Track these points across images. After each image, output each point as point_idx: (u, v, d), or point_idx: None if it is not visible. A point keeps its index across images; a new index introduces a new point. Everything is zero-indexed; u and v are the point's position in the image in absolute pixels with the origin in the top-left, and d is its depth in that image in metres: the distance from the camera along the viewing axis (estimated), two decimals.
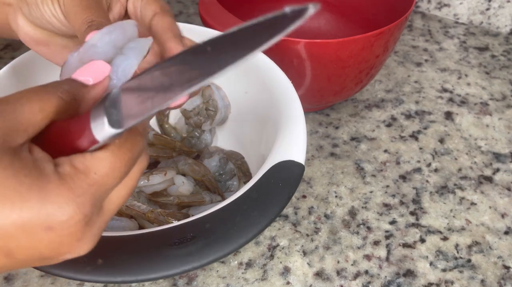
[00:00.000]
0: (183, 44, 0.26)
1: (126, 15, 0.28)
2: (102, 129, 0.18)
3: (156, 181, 0.35)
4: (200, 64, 0.18)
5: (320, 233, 0.37)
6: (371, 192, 0.41)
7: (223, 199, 0.36)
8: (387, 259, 0.36)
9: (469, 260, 0.36)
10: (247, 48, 0.17)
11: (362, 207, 0.39)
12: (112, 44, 0.22)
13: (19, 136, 0.18)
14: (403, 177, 0.42)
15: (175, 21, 0.27)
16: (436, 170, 0.43)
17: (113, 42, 0.22)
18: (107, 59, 0.22)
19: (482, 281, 0.34)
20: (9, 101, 0.18)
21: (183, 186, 0.35)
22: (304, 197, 0.40)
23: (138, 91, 0.18)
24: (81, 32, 0.24)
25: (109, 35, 0.22)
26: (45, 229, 0.17)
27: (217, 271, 0.34)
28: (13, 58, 0.36)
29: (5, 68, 0.34)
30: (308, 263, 0.35)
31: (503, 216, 0.39)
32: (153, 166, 0.38)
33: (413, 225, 0.38)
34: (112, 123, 0.18)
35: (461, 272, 0.35)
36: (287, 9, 0.16)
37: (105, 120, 0.18)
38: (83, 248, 0.19)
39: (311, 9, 0.16)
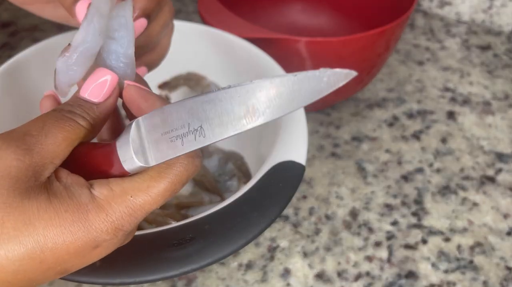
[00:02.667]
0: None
1: None
2: (132, 163, 0.19)
3: None
4: (237, 112, 0.19)
5: (320, 234, 0.37)
6: (372, 192, 0.40)
7: (223, 199, 0.36)
8: (389, 260, 0.35)
9: (471, 261, 0.35)
10: (291, 106, 0.19)
11: (363, 208, 0.39)
12: (98, 32, 0.21)
13: (47, 169, 0.18)
14: (405, 177, 0.42)
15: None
16: (438, 170, 0.42)
17: (97, 30, 0.21)
18: (99, 48, 0.21)
19: (485, 282, 0.34)
20: (32, 134, 0.18)
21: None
22: (304, 197, 0.39)
23: (163, 126, 0.18)
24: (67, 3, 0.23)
25: (92, 24, 0.20)
26: (93, 248, 0.19)
27: (217, 272, 0.34)
28: (10, 57, 0.35)
29: (2, 67, 0.34)
30: (308, 265, 0.35)
31: (505, 216, 0.39)
32: None
33: (415, 225, 0.38)
34: (140, 159, 0.18)
35: (463, 273, 0.35)
36: (323, 70, 0.18)
37: (133, 155, 0.18)
38: (123, 243, 0.21)
39: (351, 75, 0.18)
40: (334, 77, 0.18)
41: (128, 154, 0.19)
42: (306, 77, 0.18)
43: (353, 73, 0.18)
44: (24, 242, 0.17)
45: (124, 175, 0.19)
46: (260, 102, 0.19)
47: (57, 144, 0.19)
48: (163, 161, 0.18)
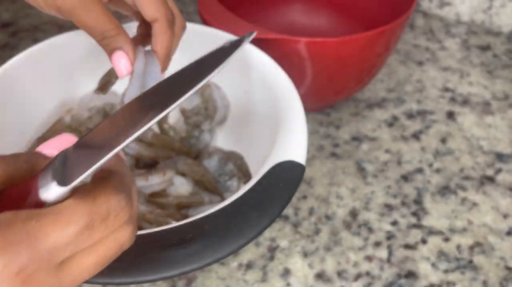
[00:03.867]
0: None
1: None
2: (48, 189, 0.17)
3: (155, 181, 0.34)
4: (147, 109, 0.18)
5: (320, 234, 0.37)
6: (372, 192, 0.40)
7: (223, 199, 0.36)
8: (389, 260, 0.35)
9: (471, 261, 0.35)
10: (195, 81, 0.18)
11: (363, 208, 0.39)
12: (139, 90, 0.26)
13: None
14: (405, 177, 0.42)
15: (171, 21, 0.29)
16: (438, 170, 0.42)
17: (139, 88, 0.27)
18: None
19: (484, 282, 0.34)
20: None
21: (182, 186, 0.35)
22: (304, 197, 0.40)
23: (86, 147, 0.18)
24: (97, 40, 0.27)
25: (136, 84, 0.27)
26: None
27: (217, 272, 0.34)
28: (10, 57, 0.35)
29: (7, 64, 0.34)
30: (308, 265, 0.35)
31: (505, 216, 0.39)
32: (152, 166, 0.38)
33: (414, 225, 0.38)
34: (58, 181, 0.17)
35: (463, 273, 0.35)
36: (227, 43, 0.19)
37: (52, 180, 0.17)
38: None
39: (247, 39, 0.18)
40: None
41: (47, 180, 0.17)
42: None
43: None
44: None
45: (41, 205, 0.17)
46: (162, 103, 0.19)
47: None
48: (79, 179, 0.17)
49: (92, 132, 0.18)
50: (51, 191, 0.17)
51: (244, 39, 0.18)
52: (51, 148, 0.20)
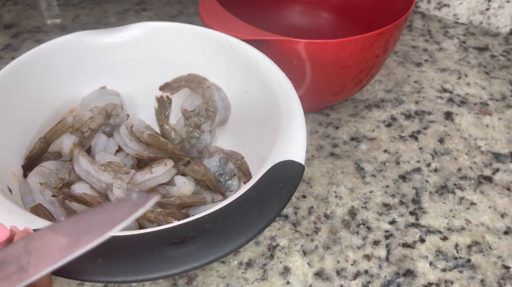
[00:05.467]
0: None
1: None
2: None
3: (159, 172, 0.35)
4: (59, 245, 0.19)
5: (320, 233, 0.37)
6: (371, 192, 0.41)
7: (225, 197, 0.36)
8: (387, 259, 0.36)
9: (469, 260, 0.36)
10: (102, 231, 0.19)
11: (362, 207, 0.39)
12: None
13: None
14: (403, 177, 0.42)
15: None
16: (435, 170, 0.43)
17: None
18: None
19: (482, 281, 0.34)
20: None
21: (184, 186, 0.35)
22: (304, 197, 0.40)
23: (0, 268, 0.18)
24: None
25: None
26: None
27: (217, 271, 0.34)
28: (13, 58, 0.36)
29: (8, 66, 0.35)
30: (308, 263, 0.35)
31: (502, 216, 0.39)
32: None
33: (412, 225, 0.38)
34: None
35: (460, 272, 0.35)
36: (134, 195, 0.19)
37: None
38: None
39: (154, 200, 0.18)
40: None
41: None
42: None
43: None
44: None
45: None
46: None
47: None
48: None
49: (8, 249, 0.19)
50: None
51: (151, 197, 0.19)
52: None
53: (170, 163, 0.36)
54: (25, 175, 0.35)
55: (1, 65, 0.35)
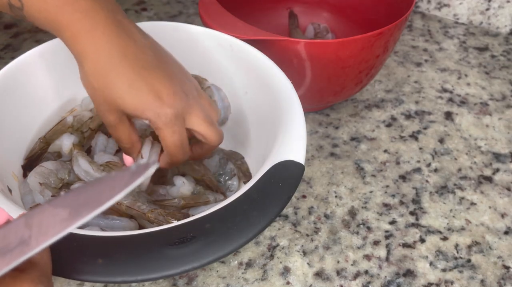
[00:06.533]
0: None
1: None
2: None
3: (147, 150, 0.34)
4: (58, 219, 0.19)
5: (320, 233, 0.37)
6: (371, 192, 0.41)
7: (225, 197, 0.36)
8: (387, 259, 0.36)
9: (469, 260, 0.36)
10: (101, 202, 0.19)
11: (362, 207, 0.39)
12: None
13: None
14: (403, 177, 0.42)
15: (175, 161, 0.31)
16: (436, 170, 0.43)
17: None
18: None
19: (482, 281, 0.34)
20: None
21: (184, 186, 0.35)
22: (304, 197, 0.40)
23: (2, 242, 0.18)
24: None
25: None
26: None
27: (217, 271, 0.34)
28: (13, 58, 0.36)
29: (9, 65, 0.35)
30: (308, 263, 0.35)
31: (503, 216, 0.39)
32: None
33: (413, 225, 0.38)
34: None
35: (461, 272, 0.35)
36: (133, 166, 0.19)
37: None
38: None
39: (153, 168, 0.19)
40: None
41: None
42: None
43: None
44: None
45: None
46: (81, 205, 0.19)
47: None
48: None
49: (9, 225, 0.19)
50: None
51: (151, 168, 0.19)
52: None
53: (156, 142, 0.34)
54: (25, 175, 0.35)
55: (1, 65, 0.35)
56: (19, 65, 0.35)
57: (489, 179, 0.42)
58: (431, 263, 0.35)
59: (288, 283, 0.34)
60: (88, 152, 0.38)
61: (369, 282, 0.34)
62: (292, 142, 0.30)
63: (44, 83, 0.37)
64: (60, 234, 0.18)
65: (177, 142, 0.30)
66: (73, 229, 0.18)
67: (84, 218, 0.18)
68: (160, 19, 0.61)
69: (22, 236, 0.18)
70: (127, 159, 0.34)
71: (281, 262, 0.35)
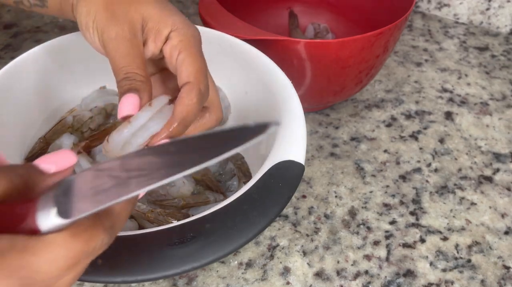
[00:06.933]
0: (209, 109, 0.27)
1: (161, 54, 0.28)
2: (47, 217, 0.17)
3: (145, 115, 0.27)
4: (162, 164, 0.18)
5: (320, 233, 0.37)
6: (371, 192, 0.41)
7: (225, 197, 0.36)
8: (387, 259, 0.36)
9: (469, 260, 0.36)
10: (211, 154, 0.17)
11: (362, 207, 0.39)
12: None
13: None
14: (403, 177, 0.42)
15: (202, 93, 0.26)
16: (436, 170, 0.43)
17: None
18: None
19: (482, 281, 0.34)
20: None
21: (184, 186, 0.35)
22: (304, 197, 0.40)
23: (93, 182, 0.18)
24: (117, 80, 0.25)
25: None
26: None
27: (217, 271, 0.34)
28: (12, 58, 0.36)
29: (9, 65, 0.34)
30: (308, 263, 0.35)
31: (503, 216, 0.39)
32: None
33: (413, 225, 0.38)
34: (60, 213, 0.17)
35: (461, 272, 0.35)
36: (252, 123, 0.17)
37: (52, 208, 0.17)
38: None
39: (273, 127, 0.17)
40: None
41: (49, 209, 0.17)
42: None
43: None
44: None
45: (35, 234, 0.17)
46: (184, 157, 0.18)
47: None
48: (81, 215, 0.17)
49: (100, 165, 0.18)
50: (50, 221, 0.17)
51: (270, 126, 0.17)
52: (50, 163, 0.19)
53: (164, 99, 0.27)
54: None
55: (1, 65, 0.35)
56: (19, 65, 0.35)
57: (489, 179, 0.42)
58: (431, 263, 0.35)
59: (288, 283, 0.34)
60: (88, 152, 0.38)
61: (369, 282, 0.34)
62: (292, 143, 0.30)
63: (44, 83, 0.37)
64: (162, 181, 0.17)
65: (204, 68, 0.26)
66: (174, 178, 0.17)
67: (188, 170, 0.17)
68: None
69: (119, 177, 0.17)
70: (125, 106, 0.25)
71: (281, 262, 0.35)
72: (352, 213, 0.39)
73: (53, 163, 0.19)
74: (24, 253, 0.16)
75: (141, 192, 0.17)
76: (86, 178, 0.18)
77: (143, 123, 0.24)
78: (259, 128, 0.17)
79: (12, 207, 0.18)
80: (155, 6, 0.27)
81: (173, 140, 0.18)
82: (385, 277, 0.34)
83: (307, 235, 0.37)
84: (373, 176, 0.42)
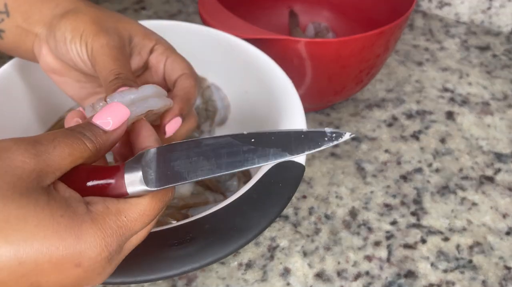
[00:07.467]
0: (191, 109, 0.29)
1: (144, 66, 0.30)
2: (135, 185, 0.20)
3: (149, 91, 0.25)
4: (240, 152, 0.21)
5: (320, 234, 0.37)
6: (371, 192, 0.40)
7: (225, 197, 0.36)
8: (388, 259, 0.35)
9: (470, 261, 0.36)
10: (286, 152, 0.20)
11: (363, 207, 0.39)
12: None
13: (49, 177, 0.19)
14: (404, 177, 0.42)
15: (198, 81, 0.29)
16: (437, 170, 0.42)
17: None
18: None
19: (483, 282, 0.34)
20: (42, 143, 0.19)
21: (183, 187, 0.35)
22: (304, 197, 0.40)
23: (176, 158, 0.21)
24: (107, 81, 0.26)
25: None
26: (75, 266, 0.18)
27: (217, 272, 0.34)
28: (11, 57, 0.35)
29: (7, 64, 0.34)
30: (308, 264, 0.35)
31: (504, 216, 0.39)
32: None
33: (414, 225, 0.38)
34: (147, 182, 0.20)
35: (462, 272, 0.35)
36: (328, 129, 0.20)
37: (141, 178, 0.20)
38: (98, 280, 0.20)
39: (347, 136, 0.20)
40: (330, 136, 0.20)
41: (135, 176, 0.20)
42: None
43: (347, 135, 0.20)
44: (10, 237, 0.17)
45: (121, 197, 0.20)
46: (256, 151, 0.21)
47: (63, 157, 0.19)
48: (165, 186, 0.20)
49: (178, 145, 0.21)
50: (138, 188, 0.20)
51: (344, 135, 0.20)
52: (105, 118, 0.21)
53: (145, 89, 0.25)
54: None
55: (1, 65, 0.35)
56: (18, 65, 0.35)
57: (490, 179, 0.42)
58: (432, 264, 0.35)
59: (288, 284, 0.34)
60: None
61: (370, 283, 0.34)
62: None
63: (43, 83, 0.37)
64: (232, 170, 0.20)
65: (192, 67, 0.29)
66: (259, 165, 0.20)
67: (275, 160, 0.20)
68: (159, 18, 0.61)
69: (195, 157, 0.20)
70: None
71: (281, 263, 0.35)
72: (353, 213, 0.39)
73: (109, 116, 0.22)
74: (118, 215, 0.20)
75: (208, 177, 0.20)
76: (168, 152, 0.21)
77: (145, 95, 0.25)
78: (335, 136, 0.20)
79: (99, 170, 0.21)
80: (138, 25, 0.30)
81: (255, 133, 0.21)
82: (386, 278, 0.34)
83: (308, 236, 0.37)
84: (374, 176, 0.42)
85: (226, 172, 0.20)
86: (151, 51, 0.29)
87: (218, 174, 0.20)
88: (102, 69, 0.26)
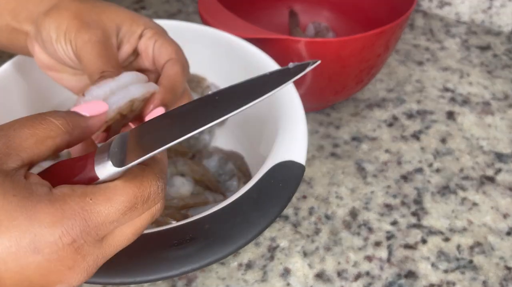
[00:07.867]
0: (185, 92, 0.28)
1: (134, 53, 0.29)
2: (104, 167, 0.19)
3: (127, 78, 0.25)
4: (207, 110, 0.20)
5: (320, 234, 0.37)
6: (372, 192, 0.40)
7: (225, 197, 0.36)
8: (388, 260, 0.35)
9: (471, 261, 0.35)
10: (253, 96, 0.20)
11: (363, 208, 0.39)
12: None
13: (11, 160, 0.18)
14: (405, 177, 0.42)
15: (185, 67, 0.28)
16: (437, 170, 0.42)
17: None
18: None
19: (484, 282, 0.34)
20: (2, 128, 0.19)
21: (183, 187, 0.35)
22: (304, 197, 0.40)
23: (144, 134, 0.20)
24: (93, 79, 0.25)
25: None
26: (32, 251, 0.17)
27: (217, 272, 0.34)
28: (11, 56, 0.35)
29: (7, 64, 0.34)
30: (308, 264, 0.35)
31: (505, 216, 0.39)
32: None
33: (414, 225, 0.38)
34: (115, 162, 0.19)
35: (463, 273, 0.35)
36: (291, 65, 0.20)
37: (108, 158, 0.19)
38: (75, 278, 0.18)
39: (311, 66, 0.20)
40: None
41: (103, 158, 0.19)
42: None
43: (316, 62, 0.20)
44: None
45: (93, 182, 0.19)
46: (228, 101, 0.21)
47: (24, 137, 0.19)
48: (132, 164, 0.19)
49: (148, 123, 0.20)
50: (106, 170, 0.19)
51: (308, 65, 0.20)
52: (83, 110, 0.22)
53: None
54: None
55: (0, 65, 0.35)
56: (17, 64, 0.35)
57: (491, 179, 0.42)
58: (432, 264, 0.35)
59: (288, 284, 0.33)
60: None
61: (370, 284, 0.34)
62: (293, 143, 0.29)
63: (43, 83, 0.37)
64: (201, 127, 0.19)
65: (182, 50, 0.28)
66: (225, 117, 0.19)
67: (239, 108, 0.20)
68: (159, 17, 0.61)
69: (161, 129, 0.20)
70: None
71: (281, 263, 0.35)
72: (353, 213, 0.38)
73: (87, 111, 0.22)
74: (83, 197, 0.18)
75: (181, 139, 0.19)
76: (138, 132, 0.20)
77: (125, 83, 0.24)
78: (298, 68, 0.20)
79: (72, 160, 0.20)
80: (125, 11, 0.29)
81: (220, 90, 0.21)
82: (386, 278, 0.34)
83: (308, 236, 0.37)
84: (374, 176, 0.42)
85: (195, 131, 0.19)
86: (140, 37, 0.29)
87: (186, 136, 0.19)
88: (87, 67, 0.26)
